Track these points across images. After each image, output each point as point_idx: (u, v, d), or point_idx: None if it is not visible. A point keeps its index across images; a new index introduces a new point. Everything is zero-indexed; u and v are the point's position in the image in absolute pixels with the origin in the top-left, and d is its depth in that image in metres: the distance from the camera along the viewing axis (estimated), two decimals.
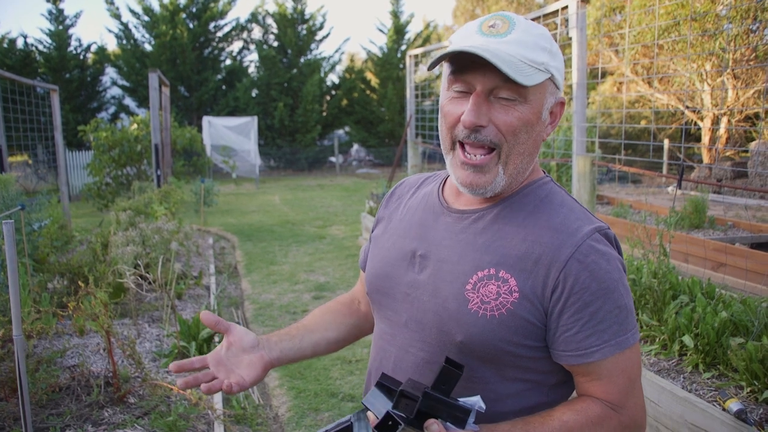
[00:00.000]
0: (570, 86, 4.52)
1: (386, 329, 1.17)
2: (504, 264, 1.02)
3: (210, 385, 1.10)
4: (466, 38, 1.01)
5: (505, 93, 0.99)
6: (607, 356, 0.99)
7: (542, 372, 1.05)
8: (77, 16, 18.82)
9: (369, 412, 0.93)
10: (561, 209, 1.06)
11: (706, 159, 12.42)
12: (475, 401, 0.94)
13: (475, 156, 1.02)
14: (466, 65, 0.99)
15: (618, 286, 1.00)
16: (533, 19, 4.91)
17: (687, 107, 11.97)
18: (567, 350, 1.00)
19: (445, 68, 1.06)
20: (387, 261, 1.18)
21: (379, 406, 0.93)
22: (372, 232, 1.32)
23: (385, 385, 0.96)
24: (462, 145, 1.04)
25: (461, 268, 1.05)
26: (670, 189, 11.22)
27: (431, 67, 1.02)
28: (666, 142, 12.68)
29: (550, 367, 1.05)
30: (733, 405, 2.38)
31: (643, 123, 13.87)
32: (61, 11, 18.38)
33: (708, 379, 2.79)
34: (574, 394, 1.11)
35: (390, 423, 0.88)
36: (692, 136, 14.81)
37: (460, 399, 0.94)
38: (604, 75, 14.43)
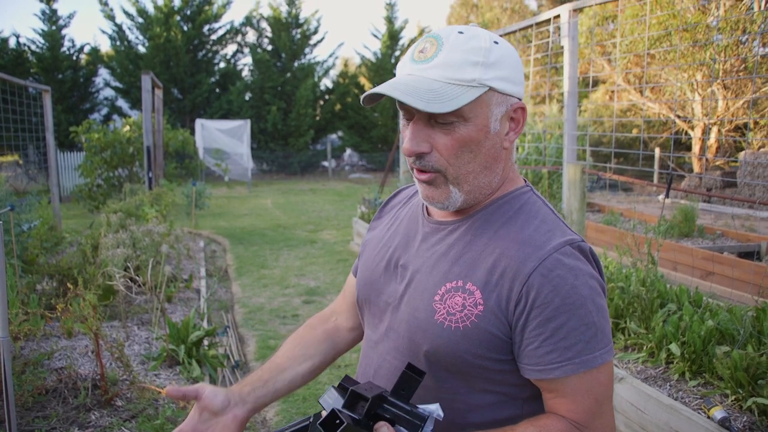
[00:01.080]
0: (562, 94, 4.55)
1: (371, 336, 1.18)
2: (471, 276, 1.02)
3: None
4: (402, 68, 1.04)
5: (441, 118, 0.99)
6: (569, 374, 0.96)
7: (513, 385, 1.04)
8: (71, 16, 18.81)
9: (322, 411, 0.93)
10: (533, 221, 1.04)
11: (696, 168, 12.51)
12: (434, 409, 0.92)
13: (422, 175, 1.04)
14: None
15: (585, 303, 0.96)
16: (525, 28, 4.95)
17: (678, 116, 12.08)
18: (529, 364, 0.99)
19: None
20: (373, 270, 1.19)
21: (332, 404, 0.92)
22: (364, 238, 1.34)
23: (344, 386, 0.95)
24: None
25: (432, 279, 1.06)
26: (660, 197, 11.29)
27: (364, 104, 1.05)
28: (657, 150, 12.77)
29: (520, 380, 1.03)
30: (718, 413, 2.40)
31: (634, 132, 13.97)
32: (54, 11, 18.32)
33: (694, 387, 2.81)
34: None
35: (336, 421, 0.86)
36: (683, 145, 14.93)
37: (419, 406, 0.93)
38: (596, 83, 14.54)
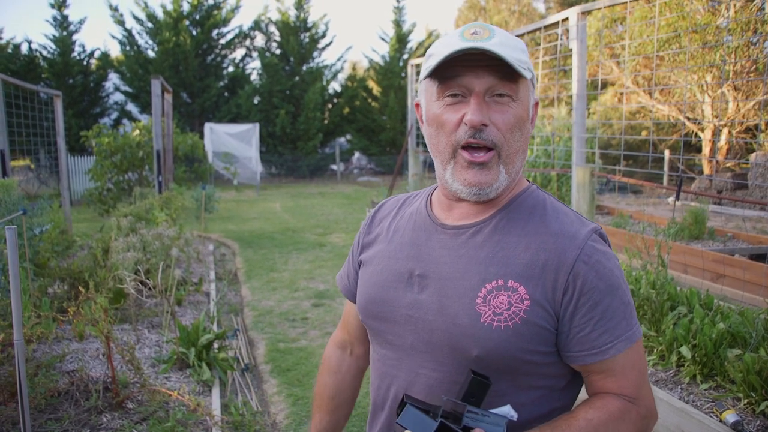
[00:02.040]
0: (570, 97, 4.54)
1: (390, 354, 1.15)
2: (511, 274, 1.03)
3: None
4: (449, 46, 1.01)
5: (501, 90, 1.02)
6: (620, 351, 1.02)
7: (553, 376, 1.07)
8: (81, 22, 18.91)
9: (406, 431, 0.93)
10: (556, 215, 1.09)
11: (706, 170, 12.43)
12: (507, 410, 0.97)
13: (479, 154, 1.04)
14: (457, 71, 1.01)
15: (621, 283, 1.04)
16: (534, 31, 4.95)
17: (687, 118, 12.01)
18: (582, 350, 1.03)
19: (427, 82, 1.08)
20: (381, 285, 1.16)
21: (420, 423, 0.92)
22: (355, 257, 1.29)
23: (416, 406, 0.96)
24: (464, 148, 1.05)
25: (467, 284, 1.05)
26: (670, 200, 11.23)
27: (430, 74, 1.03)
28: (666, 153, 12.70)
29: (560, 370, 1.07)
30: (730, 417, 2.39)
31: (643, 134, 13.91)
32: (65, 17, 18.47)
33: (705, 390, 2.79)
34: (581, 394, 1.13)
35: None
36: (693, 147, 14.84)
37: (492, 410, 0.96)
38: (604, 86, 14.49)
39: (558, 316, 1.02)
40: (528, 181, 1.17)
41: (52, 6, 18.27)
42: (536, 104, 1.11)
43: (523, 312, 1.01)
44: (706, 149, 12.04)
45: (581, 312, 1.01)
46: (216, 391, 3.39)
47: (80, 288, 3.56)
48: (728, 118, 10.98)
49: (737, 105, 10.97)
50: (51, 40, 18.46)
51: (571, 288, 1.01)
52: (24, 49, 18.21)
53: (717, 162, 11.53)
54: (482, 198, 1.07)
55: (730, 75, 9.78)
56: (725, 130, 11.59)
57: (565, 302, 1.01)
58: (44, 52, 18.49)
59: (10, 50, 17.94)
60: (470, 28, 1.04)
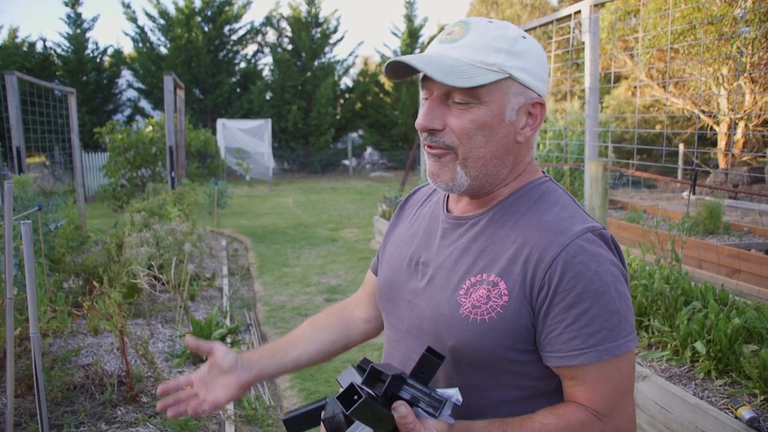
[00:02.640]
0: (583, 90, 4.51)
1: (392, 335, 1.19)
2: (494, 268, 1.02)
3: (176, 409, 1.19)
4: (429, 48, 1.06)
5: (458, 97, 1.00)
6: (591, 361, 0.96)
7: (538, 378, 1.04)
8: (95, 19, 19.06)
9: (340, 388, 0.92)
10: (554, 208, 1.05)
11: (722, 164, 12.29)
12: (452, 393, 0.92)
13: (433, 150, 1.06)
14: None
15: (608, 289, 0.96)
16: (546, 24, 4.91)
17: (702, 112, 11.87)
18: (552, 351, 0.99)
19: None
20: (393, 269, 1.20)
21: (346, 382, 0.92)
22: (385, 235, 1.34)
23: (362, 367, 0.97)
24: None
25: (455, 274, 1.06)
26: (684, 194, 11.12)
27: (386, 75, 1.07)
28: (681, 147, 12.57)
29: (544, 372, 1.03)
30: (746, 413, 2.36)
31: (657, 128, 13.77)
32: (79, 15, 18.63)
33: (720, 386, 2.77)
34: None
35: (355, 396, 0.86)
36: (708, 140, 14.67)
37: (438, 390, 0.92)
38: (618, 79, 14.35)
39: (534, 313, 0.99)
40: (543, 173, 1.14)
41: (66, 4, 18.43)
42: (537, 103, 1.05)
43: (500, 307, 0.99)
44: (721, 143, 11.89)
45: (554, 312, 0.97)
46: None
47: (95, 283, 3.60)
48: (745, 110, 10.84)
49: (754, 97, 10.82)
50: (65, 37, 18.63)
51: (547, 286, 0.97)
52: (39, 47, 18.42)
53: (733, 156, 11.39)
54: (449, 191, 1.08)
55: (747, 67, 9.65)
56: (741, 123, 11.44)
57: (540, 299, 0.98)
58: (58, 50, 18.68)
59: (25, 48, 18.14)
60: (450, 28, 1.05)
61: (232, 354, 1.22)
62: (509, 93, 1.01)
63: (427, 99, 1.05)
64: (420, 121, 1.03)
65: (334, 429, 0.95)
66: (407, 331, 1.13)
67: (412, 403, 0.90)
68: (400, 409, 0.87)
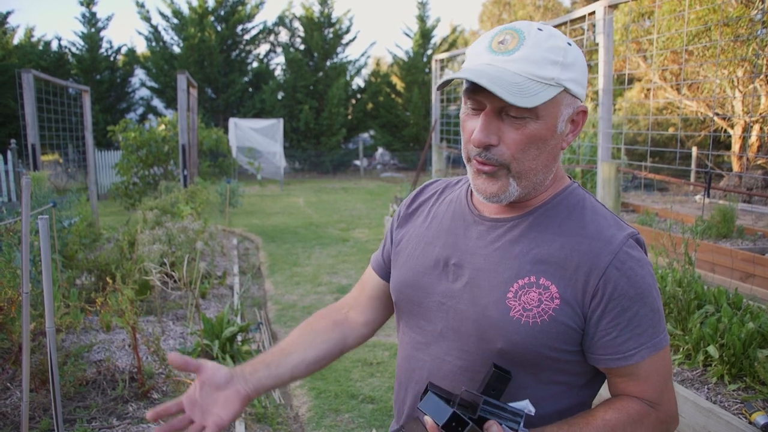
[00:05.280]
0: (596, 92, 4.49)
1: (418, 338, 1.16)
2: (544, 272, 1.04)
3: None
4: (476, 56, 1.03)
5: (515, 112, 0.99)
6: (644, 358, 1.03)
7: (574, 374, 1.08)
8: (109, 18, 19.24)
9: (426, 417, 0.95)
10: (595, 216, 1.08)
11: (736, 167, 12.17)
12: (525, 405, 0.97)
13: (486, 165, 1.05)
14: (477, 84, 1.00)
15: (651, 290, 1.04)
16: (559, 25, 4.89)
17: (717, 114, 11.77)
18: (606, 354, 1.03)
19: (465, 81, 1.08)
20: (417, 270, 1.17)
21: (438, 410, 0.94)
22: (392, 234, 1.30)
23: (437, 393, 0.97)
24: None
25: (501, 277, 1.06)
26: (698, 197, 11.03)
27: (440, 88, 1.05)
28: (694, 149, 12.46)
29: (582, 368, 1.08)
30: (760, 418, 2.34)
31: (671, 130, 13.66)
32: (93, 14, 18.79)
33: (733, 391, 2.74)
34: (601, 391, 1.14)
35: (454, 424, 0.90)
36: (722, 143, 14.54)
37: (511, 404, 0.97)
38: (631, 81, 14.26)
39: (585, 318, 1.03)
40: (570, 178, 1.16)
41: (81, 3, 18.59)
42: (582, 111, 1.07)
43: (551, 310, 1.02)
44: (735, 146, 11.78)
45: (609, 317, 1.01)
46: None
47: (107, 279, 3.63)
48: (760, 113, 10.73)
49: None
50: (80, 36, 18.80)
51: (601, 292, 1.01)
52: (54, 46, 18.62)
53: (747, 159, 11.28)
54: (497, 203, 1.08)
55: (764, 69, 9.55)
56: (756, 126, 11.32)
57: (593, 305, 1.02)
58: (73, 49, 18.85)
59: (41, 47, 18.33)
60: (500, 35, 1.02)
61: (224, 369, 1.13)
62: (562, 105, 1.02)
63: (474, 110, 1.04)
64: (477, 136, 1.01)
65: None
66: (441, 334, 1.12)
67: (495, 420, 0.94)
68: (492, 429, 0.91)
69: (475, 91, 1.00)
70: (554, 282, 1.03)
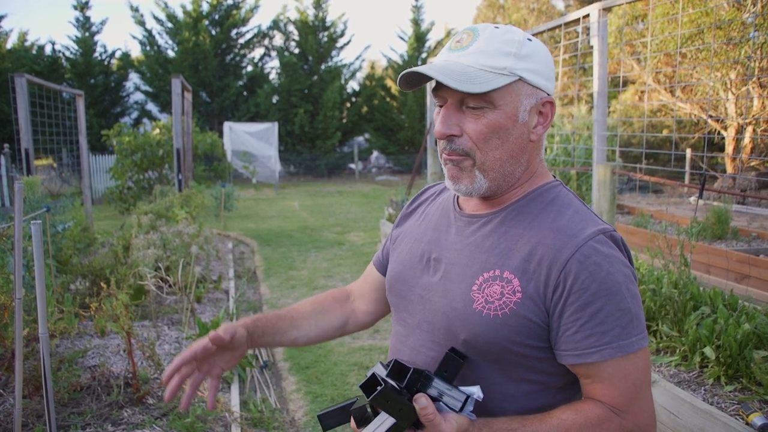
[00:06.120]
0: (591, 95, 4.50)
1: (401, 330, 1.21)
2: (508, 265, 1.05)
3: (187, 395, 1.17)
4: (439, 56, 1.09)
5: (472, 102, 1.03)
6: (606, 358, 0.99)
7: (548, 373, 1.07)
8: (103, 23, 19.18)
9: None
10: (566, 211, 1.08)
11: (729, 169, 12.22)
12: (474, 390, 0.96)
13: (451, 156, 1.09)
14: (437, 81, 1.05)
15: (621, 289, 1.00)
16: (554, 28, 4.90)
17: (710, 116, 11.82)
18: (567, 349, 1.02)
19: None
20: (404, 264, 1.22)
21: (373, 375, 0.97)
22: (392, 233, 1.36)
23: (390, 365, 1.01)
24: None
25: (469, 270, 1.09)
26: (692, 199, 11.07)
27: (400, 86, 1.10)
28: (688, 151, 12.51)
29: (556, 368, 1.06)
30: (758, 419, 2.34)
31: (665, 132, 13.71)
32: (87, 18, 18.75)
33: (730, 392, 2.74)
34: None
35: (378, 386, 0.90)
36: (715, 145, 14.60)
37: (461, 387, 0.97)
38: (625, 84, 14.31)
39: (548, 312, 1.02)
40: (554, 177, 1.17)
41: (75, 8, 18.55)
42: (548, 102, 1.09)
43: (513, 303, 1.02)
44: (729, 148, 11.83)
45: (569, 311, 1.00)
46: (235, 388, 3.41)
47: (101, 284, 3.61)
48: (753, 115, 10.78)
49: (762, 102, 10.76)
50: (74, 41, 18.76)
51: (562, 285, 1.00)
52: (48, 50, 18.54)
53: (741, 161, 11.33)
54: (468, 194, 1.11)
55: (756, 71, 9.60)
56: (749, 128, 11.38)
57: (555, 299, 1.01)
58: (67, 53, 18.80)
59: (34, 51, 18.26)
60: (458, 36, 1.08)
61: (243, 334, 1.20)
62: (521, 95, 1.05)
63: (441, 107, 1.08)
64: (438, 128, 1.06)
65: (362, 420, 0.99)
66: (418, 325, 1.16)
67: (436, 398, 0.95)
68: (420, 400, 0.91)
69: (437, 88, 1.06)
70: (517, 275, 1.03)
